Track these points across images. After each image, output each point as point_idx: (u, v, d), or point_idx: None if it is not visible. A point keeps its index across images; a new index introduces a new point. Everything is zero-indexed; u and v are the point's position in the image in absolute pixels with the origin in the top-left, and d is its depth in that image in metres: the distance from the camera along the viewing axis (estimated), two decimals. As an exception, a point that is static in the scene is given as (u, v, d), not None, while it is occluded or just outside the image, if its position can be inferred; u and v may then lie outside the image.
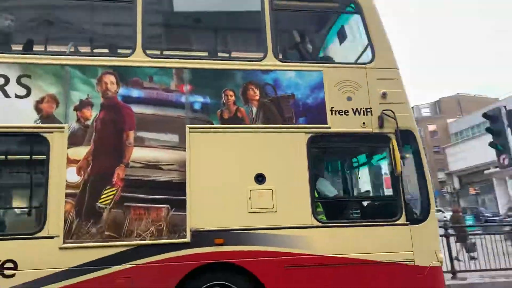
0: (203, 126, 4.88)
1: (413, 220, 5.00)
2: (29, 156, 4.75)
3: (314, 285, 4.60)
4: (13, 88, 4.60)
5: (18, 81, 4.63)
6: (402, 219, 4.98)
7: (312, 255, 4.66)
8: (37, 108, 4.62)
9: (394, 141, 5.03)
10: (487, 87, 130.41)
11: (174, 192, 4.63)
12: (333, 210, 5.17)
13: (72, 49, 5.38)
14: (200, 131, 4.85)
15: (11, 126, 4.54)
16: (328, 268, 4.66)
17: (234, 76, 5.09)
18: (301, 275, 4.59)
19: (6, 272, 4.20)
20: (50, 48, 5.52)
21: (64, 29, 5.53)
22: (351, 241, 4.81)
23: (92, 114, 4.71)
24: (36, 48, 5.17)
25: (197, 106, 4.94)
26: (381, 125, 5.15)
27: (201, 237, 4.54)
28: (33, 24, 5.46)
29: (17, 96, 4.60)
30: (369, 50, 5.46)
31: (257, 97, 5.06)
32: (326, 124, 5.10)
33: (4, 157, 4.76)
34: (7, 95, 4.58)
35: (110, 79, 4.81)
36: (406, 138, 5.14)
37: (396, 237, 4.91)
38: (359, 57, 5.70)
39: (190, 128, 4.82)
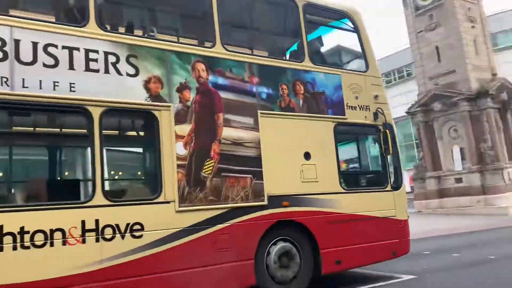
0: (269, 112, 6.14)
1: (394, 187, 7.12)
2: (142, 131, 5.30)
3: (344, 234, 6.40)
4: (123, 66, 5.16)
5: (127, 60, 5.21)
6: (389, 187, 7.07)
7: (342, 213, 6.43)
8: (146, 87, 5.28)
9: (388, 131, 7.03)
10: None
11: (254, 164, 5.86)
12: (349, 181, 6.97)
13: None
14: (267, 116, 6.11)
15: (126, 102, 5.15)
16: (351, 222, 6.48)
17: (287, 73, 6.45)
18: (337, 227, 6.33)
19: (135, 233, 4.92)
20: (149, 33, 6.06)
21: (161, 18, 5.96)
22: (361, 202, 6.72)
23: (190, 96, 5.58)
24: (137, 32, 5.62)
25: (263, 96, 6.19)
26: (375, 119, 7.11)
27: (274, 201, 5.90)
28: (138, 10, 5.79)
29: (128, 75, 5.18)
30: (363, 61, 7.35)
31: (302, 92, 6.52)
32: (344, 115, 6.85)
33: (119, 131, 5.21)
34: (119, 73, 5.14)
35: (201, 67, 5.71)
36: (389, 129, 7.15)
37: (385, 200, 7.00)
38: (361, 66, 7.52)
39: (260, 113, 6.05)
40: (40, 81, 4.67)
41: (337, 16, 7.42)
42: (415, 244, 10.39)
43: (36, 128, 5.55)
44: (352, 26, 7.35)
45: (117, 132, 5.42)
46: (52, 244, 4.43)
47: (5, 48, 4.53)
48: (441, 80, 24.73)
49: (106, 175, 5.02)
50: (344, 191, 6.57)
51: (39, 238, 4.37)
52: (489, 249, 10.45)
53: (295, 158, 6.22)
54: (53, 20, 5.34)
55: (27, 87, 4.58)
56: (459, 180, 23.85)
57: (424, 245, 11.48)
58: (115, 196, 5.14)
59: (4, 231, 4.21)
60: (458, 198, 23.42)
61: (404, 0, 27.05)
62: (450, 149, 24.47)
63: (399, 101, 41.96)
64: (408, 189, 28.77)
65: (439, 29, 25.36)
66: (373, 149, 7.52)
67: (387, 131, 7.03)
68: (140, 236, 4.93)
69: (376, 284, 6.59)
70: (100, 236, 4.70)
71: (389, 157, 7.08)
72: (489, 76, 24.79)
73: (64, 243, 4.50)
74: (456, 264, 8.56)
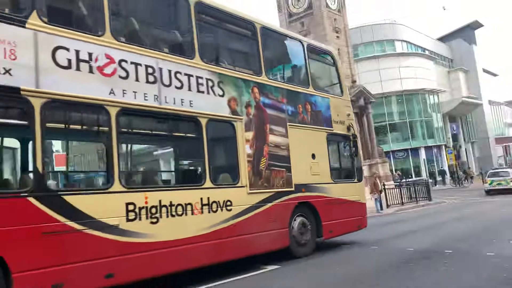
0: (293, 124, 8.70)
1: (358, 180, 10.32)
2: (226, 136, 7.56)
3: (333, 212, 9.23)
4: (213, 88, 7.26)
5: (218, 85, 7.36)
6: (356, 180, 10.32)
7: (332, 197, 9.33)
8: (228, 105, 7.48)
9: (356, 139, 10.27)
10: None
11: (286, 161, 8.38)
12: (334, 175, 9.75)
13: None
14: (292, 127, 8.66)
15: (211, 114, 7.19)
16: (337, 204, 9.40)
17: (301, 96, 9.13)
18: (329, 207, 9.18)
19: (228, 208, 7.16)
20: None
21: (232, 55, 8.61)
22: (341, 190, 9.68)
23: (251, 111, 7.85)
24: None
25: (289, 112, 8.73)
26: (348, 131, 10.20)
27: (297, 188, 8.50)
28: (221, 49, 8.48)
29: (214, 94, 7.29)
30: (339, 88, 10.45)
31: (309, 110, 9.21)
32: (332, 128, 9.78)
33: (213, 135, 7.28)
34: (214, 94, 7.30)
35: (256, 90, 8.02)
36: (356, 139, 10.35)
37: (354, 189, 10.18)
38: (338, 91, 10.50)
39: (288, 125, 8.60)
40: (174, 98, 6.64)
41: (324, 54, 10.52)
42: None
43: (169, 132, 7.39)
44: (332, 61, 10.52)
45: (212, 136, 7.21)
46: (186, 214, 6.44)
47: (154, 74, 6.41)
48: None
49: (210, 167, 7.01)
50: (332, 182, 9.46)
51: (179, 209, 6.39)
52: (344, 238, 10.40)
53: (307, 158, 8.89)
54: (175, 55, 7.04)
55: (167, 103, 6.54)
56: None
57: None
58: (216, 181, 7.16)
59: (156, 204, 6.13)
60: None
61: (279, 6, 28.60)
62: None
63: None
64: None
65: (309, 36, 25.90)
66: (346, 152, 10.47)
67: (356, 139, 10.24)
68: (231, 210, 7.15)
69: (239, 277, 6.99)
70: (210, 209, 6.81)
71: (355, 158, 10.31)
72: (349, 84, 26.47)
73: (192, 213, 6.53)
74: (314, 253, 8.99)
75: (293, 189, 8.39)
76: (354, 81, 27.92)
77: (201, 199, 6.75)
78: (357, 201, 10.18)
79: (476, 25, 63.96)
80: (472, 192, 31.33)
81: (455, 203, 22.52)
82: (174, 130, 7.44)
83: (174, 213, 6.31)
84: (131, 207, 5.84)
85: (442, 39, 62.92)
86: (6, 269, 4.64)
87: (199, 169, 7.22)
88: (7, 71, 4.90)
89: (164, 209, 6.20)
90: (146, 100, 6.23)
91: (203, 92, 7.08)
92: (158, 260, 6.03)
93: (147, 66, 6.34)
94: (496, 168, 33.48)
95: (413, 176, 41.73)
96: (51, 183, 6.13)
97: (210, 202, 6.87)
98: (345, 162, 10.56)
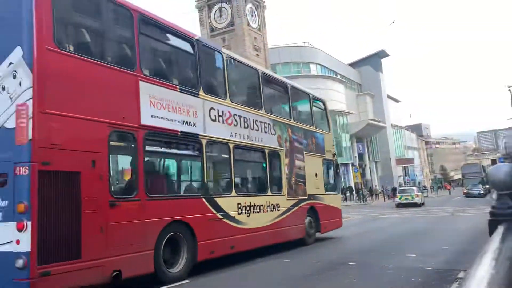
0: (307, 152, 12.95)
1: (338, 192, 15.19)
2: (275, 161, 11.58)
3: (326, 214, 13.47)
4: (270, 129, 11.39)
5: (272, 127, 11.50)
6: (337, 192, 14.89)
7: (325, 204, 13.61)
8: (277, 140, 11.63)
9: (337, 164, 14.72)
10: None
11: (303, 178, 12.59)
12: (326, 188, 13.89)
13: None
14: (306, 154, 12.92)
15: (270, 147, 11.35)
16: (329, 208, 13.79)
17: (310, 132, 13.45)
18: (324, 210, 13.43)
19: (277, 208, 11.26)
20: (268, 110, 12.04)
21: (278, 107, 13.18)
22: (330, 199, 13.93)
23: (287, 144, 11.98)
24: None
25: (305, 144, 12.91)
26: (332, 157, 14.39)
27: (309, 197, 12.72)
28: (273, 103, 12.94)
29: (271, 134, 11.40)
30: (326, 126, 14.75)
31: (314, 142, 13.32)
32: (324, 155, 14.00)
33: (270, 161, 11.33)
34: (269, 133, 11.35)
35: (289, 129, 12.26)
36: (337, 163, 14.63)
37: (336, 198, 14.69)
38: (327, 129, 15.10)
39: (304, 153, 12.65)
40: (255, 137, 10.70)
41: (319, 102, 14.80)
42: None
43: (251, 159, 11.24)
44: (324, 107, 14.95)
45: (270, 161, 11.28)
46: (260, 211, 10.50)
47: (247, 122, 10.38)
48: None
49: (269, 182, 11.19)
50: (325, 193, 13.67)
51: (257, 209, 10.39)
52: (257, 252, 10.34)
53: (313, 175, 13.08)
54: (254, 109, 11.04)
55: (252, 140, 10.60)
56: None
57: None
58: (272, 191, 11.21)
59: (249, 204, 10.13)
60: None
61: (201, 20, 28.95)
62: None
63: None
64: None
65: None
66: (331, 172, 14.57)
67: (337, 164, 14.58)
68: (279, 210, 11.28)
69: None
70: (269, 209, 10.89)
71: (337, 177, 14.63)
72: None
73: (262, 211, 10.61)
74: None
75: (307, 197, 12.63)
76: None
77: (266, 202, 10.87)
78: (337, 207, 14.61)
79: (383, 54, 69.71)
80: (375, 208, 33.56)
81: (360, 218, 23.96)
82: (253, 158, 11.25)
83: (256, 210, 10.34)
84: (239, 206, 9.77)
85: (353, 65, 67.50)
86: (195, 239, 8.23)
87: (265, 183, 11.17)
88: (193, 124, 8.57)
89: (251, 208, 10.20)
90: (244, 139, 10.25)
91: (266, 132, 11.21)
92: (251, 239, 9.92)
93: (244, 118, 10.35)
94: (404, 187, 42.46)
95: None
96: (210, 190, 9.12)
97: (270, 204, 10.96)
98: (331, 179, 14.53)
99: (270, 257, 10.57)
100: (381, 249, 11.54)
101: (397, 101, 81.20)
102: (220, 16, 28.44)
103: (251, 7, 28.88)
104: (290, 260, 10.20)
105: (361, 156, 58.78)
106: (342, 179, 50.69)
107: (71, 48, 6.59)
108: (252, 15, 28.92)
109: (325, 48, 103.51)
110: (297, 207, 11.98)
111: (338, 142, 50.60)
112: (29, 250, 5.23)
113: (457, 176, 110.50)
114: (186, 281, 7.94)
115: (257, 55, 28.50)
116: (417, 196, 34.67)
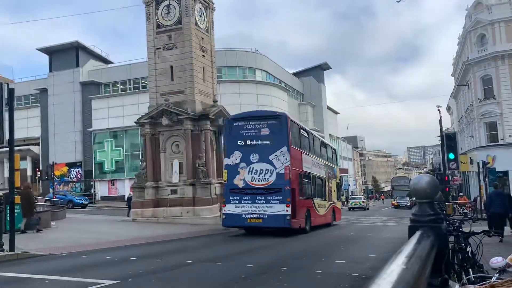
0: (331, 178, 24.77)
1: (339, 200, 28.25)
2: (325, 183, 23.52)
3: (336, 212, 25.71)
4: (323, 167, 23.23)
5: (323, 166, 23.37)
6: (339, 200, 28.00)
7: (337, 207, 26.57)
8: (325, 172, 23.47)
9: (340, 182, 29.15)
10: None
11: (331, 192, 24.63)
12: (337, 197, 27.10)
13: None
14: (330, 178, 24.51)
15: (323, 176, 23.10)
16: (338, 209, 26.35)
17: (335, 168, 26.85)
18: (337, 209, 26.17)
19: (325, 207, 23.00)
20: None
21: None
22: (338, 204, 27.26)
23: (329, 176, 24.28)
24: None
25: (330, 174, 24.79)
26: (339, 180, 28.61)
27: (332, 202, 24.87)
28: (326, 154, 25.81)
29: (323, 169, 23.28)
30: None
31: (333, 172, 25.73)
32: (336, 179, 26.90)
33: (325, 184, 23.35)
34: (323, 169, 23.26)
35: (327, 166, 24.25)
36: (340, 181, 24.29)
37: (339, 203, 27.54)
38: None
39: (332, 179, 25.13)
40: (319, 171, 22.18)
41: (335, 149, 25.86)
42: (124, 251, 12.01)
43: (318, 182, 21.82)
44: (335, 151, 25.34)
45: (323, 183, 22.65)
46: (322, 207, 21.93)
47: (316, 165, 21.59)
48: (171, 98, 26.04)
49: (325, 193, 22.81)
50: (337, 200, 25.99)
51: (321, 205, 21.84)
52: (189, 254, 11.46)
53: (333, 190, 24.90)
54: (318, 157, 22.55)
55: (315, 172, 21.26)
56: (174, 192, 25.50)
57: (133, 251, 12.28)
58: (324, 198, 22.57)
59: (319, 203, 21.50)
60: (171, 208, 24.94)
61: (148, 15, 27.48)
62: (170, 162, 26.08)
63: (132, 111, 44.33)
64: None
65: (175, 50, 26.60)
66: (338, 189, 27.52)
67: (340, 182, 27.69)
68: (326, 207, 22.80)
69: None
70: (324, 207, 22.25)
71: (339, 191, 27.15)
72: (211, 102, 27.47)
73: (322, 207, 22.02)
74: (158, 268, 9.25)
75: (332, 202, 24.10)
76: (215, 101, 28.43)
77: (323, 203, 22.12)
78: (340, 209, 26.49)
79: (325, 66, 71.80)
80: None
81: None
82: (319, 182, 21.75)
83: (321, 206, 21.42)
84: (317, 203, 20.81)
85: (296, 74, 68.95)
86: (311, 216, 19.67)
87: (323, 193, 22.14)
88: (309, 168, 20.50)
89: (320, 205, 21.36)
90: (317, 172, 21.53)
91: (321, 169, 22.58)
92: (320, 220, 21.20)
93: (316, 162, 21.40)
94: (355, 195, 62.25)
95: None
96: (314, 196, 20.82)
97: (324, 204, 22.41)
98: (338, 193, 27.16)
99: (202, 260, 10.51)
100: (313, 255, 11.85)
101: (336, 112, 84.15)
102: (168, 13, 27.76)
103: (200, 8, 28.58)
104: (222, 263, 10.19)
105: (299, 164, 60.17)
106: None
107: (296, 145, 18.45)
108: (200, 16, 28.60)
109: (272, 56, 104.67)
110: (330, 207, 23.71)
111: (278, 149, 51.27)
112: (290, 213, 16.73)
113: (387, 187, 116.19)
114: (115, 281, 7.71)
115: (204, 56, 28.14)
116: (363, 202, 50.18)
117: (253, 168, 16.89)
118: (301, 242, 15.28)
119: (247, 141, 17.60)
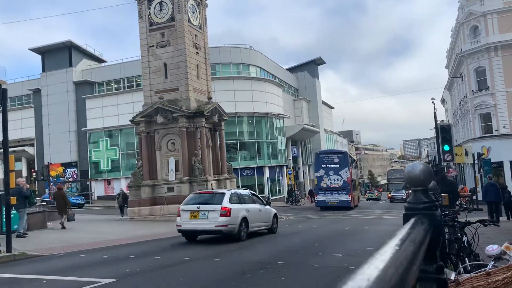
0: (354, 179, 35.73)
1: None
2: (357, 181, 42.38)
3: (357, 198, 41.47)
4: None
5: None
6: (358, 191, 33.85)
7: (358, 195, 44.96)
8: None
9: (359, 182, 32.76)
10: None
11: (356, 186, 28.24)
12: (359, 190, 35.20)
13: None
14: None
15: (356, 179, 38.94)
16: (358, 197, 42.13)
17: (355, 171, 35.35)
18: (358, 197, 42.55)
19: (353, 195, 36.55)
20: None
21: None
22: (359, 194, 41.34)
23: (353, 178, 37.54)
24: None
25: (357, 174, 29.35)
26: (358, 179, 30.53)
27: (355, 192, 38.25)
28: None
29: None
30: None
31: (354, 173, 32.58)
32: (357, 178, 32.29)
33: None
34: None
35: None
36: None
37: (359, 194, 39.81)
38: None
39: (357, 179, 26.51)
40: (356, 176, 44.07)
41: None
42: (122, 249, 12.01)
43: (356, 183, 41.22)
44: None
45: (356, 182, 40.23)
46: (357, 197, 42.30)
47: (355, 172, 43.87)
48: (165, 95, 25.94)
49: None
50: (358, 191, 41.00)
51: (357, 196, 41.27)
52: (186, 251, 11.58)
53: (357, 185, 40.71)
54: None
55: (355, 178, 42.64)
56: (171, 189, 25.41)
57: (130, 249, 12.24)
58: (356, 192, 40.13)
59: (356, 195, 40.57)
60: (168, 206, 24.59)
61: (140, 12, 27.33)
62: (166, 160, 26.03)
63: (126, 110, 44.16)
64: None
65: (169, 48, 26.45)
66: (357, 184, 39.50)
67: (359, 182, 27.26)
68: (357, 196, 41.45)
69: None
70: (357, 196, 41.69)
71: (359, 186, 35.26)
72: (205, 99, 27.53)
73: (357, 197, 42.04)
74: (156, 265, 9.26)
75: (358, 193, 42.18)
76: (210, 98, 28.38)
77: (357, 194, 41.84)
78: (359, 196, 45.72)
79: (319, 61, 71.74)
80: (307, 210, 34.53)
81: (291, 219, 24.47)
82: (356, 183, 40.50)
83: (356, 196, 40.31)
84: (356, 195, 41.59)
85: (291, 70, 68.88)
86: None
87: (356, 188, 39.75)
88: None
89: (356, 195, 40.62)
90: (355, 178, 38.74)
91: (356, 175, 41.58)
92: (357, 202, 39.57)
93: (354, 171, 38.97)
94: (370, 189, 70.75)
95: (257, 193, 44.11)
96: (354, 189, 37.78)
97: (357, 195, 41.20)
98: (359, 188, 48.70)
99: (200, 257, 10.53)
100: (310, 249, 11.88)
101: (331, 107, 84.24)
102: (161, 10, 27.63)
103: (192, 4, 28.44)
104: (220, 259, 10.21)
105: (295, 159, 60.23)
106: (277, 181, 51.68)
107: (350, 166, 36.72)
108: (193, 12, 28.46)
109: (265, 52, 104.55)
110: (357, 196, 40.24)
111: (274, 145, 51.45)
112: (350, 200, 33.94)
113: (383, 181, 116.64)
114: (112, 280, 7.70)
115: (197, 53, 28.01)
116: (376, 194, 64.05)
117: (331, 178, 34.01)
118: (295, 237, 15.30)
119: (327, 164, 34.52)
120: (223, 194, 14.01)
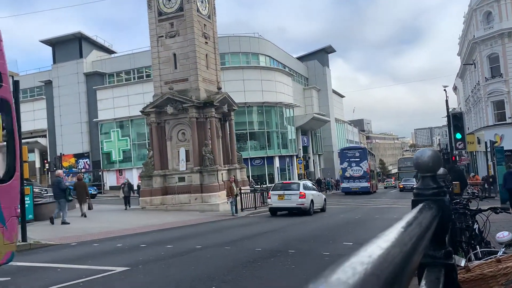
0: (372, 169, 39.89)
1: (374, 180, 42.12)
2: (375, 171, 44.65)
3: (375, 185, 50.11)
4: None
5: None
6: (374, 179, 37.93)
7: (375, 183, 51.44)
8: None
9: (377, 171, 35.76)
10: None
11: (374, 175, 31.63)
12: (375, 179, 42.05)
13: None
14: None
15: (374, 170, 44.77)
16: (375, 184, 49.53)
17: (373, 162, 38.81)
18: (375, 185, 49.05)
19: (372, 182, 45.29)
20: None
21: None
22: (376, 181, 49.03)
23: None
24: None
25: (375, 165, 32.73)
26: (375, 168, 32.23)
27: (373, 180, 44.12)
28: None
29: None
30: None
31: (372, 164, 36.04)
32: (374, 169, 36.78)
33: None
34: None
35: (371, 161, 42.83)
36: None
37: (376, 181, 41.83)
38: None
39: (374, 169, 29.72)
40: (374, 167, 52.14)
41: None
42: (134, 238, 12.31)
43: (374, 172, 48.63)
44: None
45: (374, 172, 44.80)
46: (375, 184, 50.14)
47: (373, 164, 50.87)
48: (175, 86, 25.81)
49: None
50: (374, 180, 47.31)
51: (375, 183, 49.59)
52: (198, 240, 11.76)
53: (374, 175, 42.37)
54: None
55: (373, 168, 50.67)
56: (182, 179, 25.59)
57: (143, 238, 12.47)
58: (372, 179, 47.17)
59: (374, 182, 49.56)
60: (179, 195, 25.08)
61: (149, 2, 27.17)
62: (177, 150, 25.98)
63: (137, 100, 44.40)
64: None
65: (178, 38, 26.30)
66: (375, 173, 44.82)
67: (377, 171, 31.13)
68: (375, 183, 49.63)
69: (89, 278, 7.23)
70: (375, 183, 49.73)
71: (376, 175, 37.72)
72: (215, 89, 27.28)
73: (375, 184, 49.72)
74: (168, 254, 9.47)
75: (374, 181, 47.60)
76: (219, 88, 28.27)
77: (375, 181, 50.05)
78: (377, 184, 53.50)
79: (329, 49, 71.15)
80: (329, 196, 34.78)
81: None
82: (374, 173, 50.06)
83: (374, 183, 49.46)
84: (375, 182, 50.91)
85: (300, 58, 68.44)
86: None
87: (374, 177, 49.48)
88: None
89: (374, 182, 49.93)
90: (372, 168, 46.09)
91: (373, 166, 49.22)
92: (375, 188, 48.63)
93: (372, 163, 47.03)
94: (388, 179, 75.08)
95: (267, 182, 44.25)
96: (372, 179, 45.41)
97: (375, 182, 48.91)
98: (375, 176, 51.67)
99: (211, 245, 10.63)
100: (321, 238, 11.93)
101: (341, 96, 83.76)
102: (169, 0, 27.56)
103: (201, -7, 28.25)
104: (231, 247, 10.31)
105: (305, 149, 60.15)
106: (287, 170, 51.71)
107: (368, 158, 45.38)
108: (202, 2, 28.29)
109: (275, 40, 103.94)
110: (375, 183, 48.36)
111: (284, 134, 51.40)
112: (369, 186, 42.61)
113: (394, 170, 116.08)
114: (125, 268, 7.83)
115: (206, 42, 27.82)
116: (393, 182, 64.02)
117: (353, 168, 42.01)
118: (304, 226, 15.36)
119: (350, 158, 43.00)
120: (299, 184, 20.37)
